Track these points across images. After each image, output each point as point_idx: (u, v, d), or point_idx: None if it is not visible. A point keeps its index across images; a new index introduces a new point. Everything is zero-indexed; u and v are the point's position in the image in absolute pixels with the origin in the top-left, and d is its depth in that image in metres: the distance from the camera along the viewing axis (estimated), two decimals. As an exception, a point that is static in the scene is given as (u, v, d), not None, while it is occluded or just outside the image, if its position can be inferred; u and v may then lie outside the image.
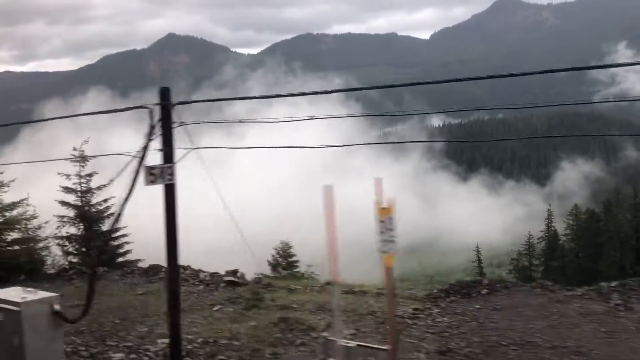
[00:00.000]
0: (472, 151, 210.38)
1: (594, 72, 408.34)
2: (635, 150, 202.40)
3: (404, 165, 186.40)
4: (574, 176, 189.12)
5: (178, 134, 9.43)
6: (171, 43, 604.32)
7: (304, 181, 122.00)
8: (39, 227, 22.19)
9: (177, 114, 9.49)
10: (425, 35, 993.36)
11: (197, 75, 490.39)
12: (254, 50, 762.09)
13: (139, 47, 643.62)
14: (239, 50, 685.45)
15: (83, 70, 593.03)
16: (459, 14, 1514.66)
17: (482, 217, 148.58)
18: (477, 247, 78.34)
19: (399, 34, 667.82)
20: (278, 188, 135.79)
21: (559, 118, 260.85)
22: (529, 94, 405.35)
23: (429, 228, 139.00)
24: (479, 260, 78.00)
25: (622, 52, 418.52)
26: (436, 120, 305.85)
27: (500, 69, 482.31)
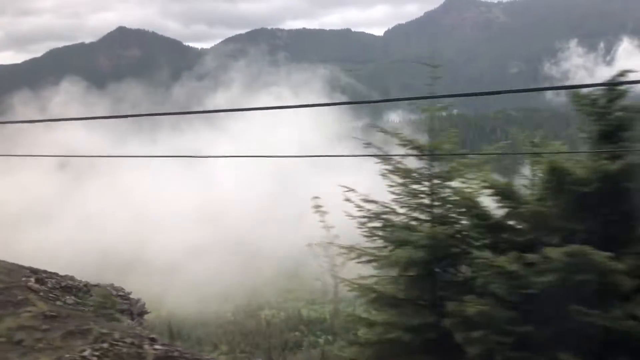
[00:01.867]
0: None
1: (546, 68, 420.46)
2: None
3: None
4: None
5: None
6: (122, 37, 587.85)
7: (284, 178, 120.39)
8: None
9: None
10: (379, 31, 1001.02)
11: (177, 67, 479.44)
12: (207, 45, 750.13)
13: (87, 41, 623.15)
14: (191, 44, 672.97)
15: (28, 64, 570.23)
16: (412, 11, 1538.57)
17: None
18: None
19: (352, 29, 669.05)
20: (255, 185, 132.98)
21: (515, 113, 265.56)
22: (486, 88, 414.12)
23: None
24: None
25: (574, 50, 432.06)
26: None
27: (453, 65, 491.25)
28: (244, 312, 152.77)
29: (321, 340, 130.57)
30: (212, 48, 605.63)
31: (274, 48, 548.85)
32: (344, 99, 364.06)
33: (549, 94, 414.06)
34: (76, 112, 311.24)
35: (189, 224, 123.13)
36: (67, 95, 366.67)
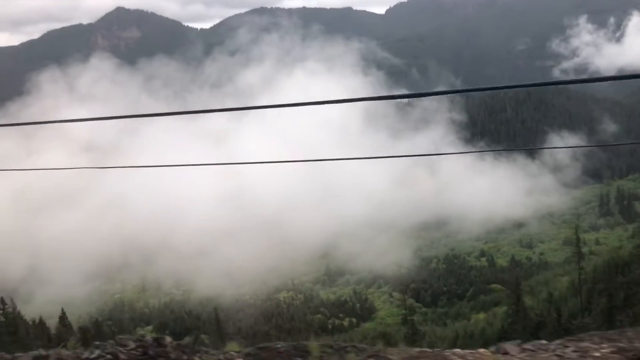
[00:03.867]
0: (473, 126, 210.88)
1: (554, 45, 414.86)
2: (612, 122, 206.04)
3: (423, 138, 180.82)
4: (562, 149, 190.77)
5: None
6: (120, 17, 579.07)
7: (312, 163, 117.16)
8: None
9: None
10: (380, 9, 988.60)
11: (209, 42, 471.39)
12: (206, 25, 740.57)
13: (85, 22, 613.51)
14: (190, 24, 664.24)
15: (26, 46, 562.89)
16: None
17: (486, 190, 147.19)
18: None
19: (354, 8, 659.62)
20: (283, 168, 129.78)
21: (526, 93, 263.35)
22: (492, 65, 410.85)
23: (438, 202, 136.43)
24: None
25: (583, 26, 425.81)
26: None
27: (457, 43, 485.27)
28: (262, 295, 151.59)
29: (345, 323, 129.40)
30: (211, 28, 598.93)
31: (276, 26, 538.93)
32: (380, 74, 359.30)
33: (556, 71, 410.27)
34: (105, 90, 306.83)
35: (215, 208, 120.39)
36: (96, 73, 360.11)
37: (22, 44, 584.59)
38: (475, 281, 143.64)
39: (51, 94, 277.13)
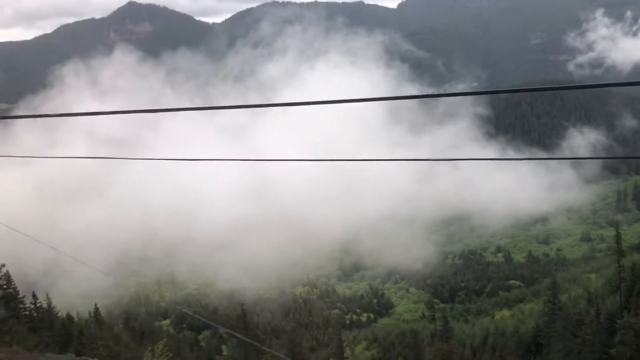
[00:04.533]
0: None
1: (570, 39, 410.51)
2: (632, 118, 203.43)
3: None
4: (582, 144, 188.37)
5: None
6: (132, 11, 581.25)
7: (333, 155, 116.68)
8: None
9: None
10: (392, 3, 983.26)
11: (231, 35, 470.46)
12: (218, 19, 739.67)
13: (97, 16, 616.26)
14: (202, 19, 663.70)
15: (39, 40, 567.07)
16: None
17: (507, 186, 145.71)
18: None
19: (366, 2, 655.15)
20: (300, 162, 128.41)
21: (543, 85, 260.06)
22: (506, 60, 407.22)
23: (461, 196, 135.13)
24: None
25: (600, 20, 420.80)
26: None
27: (470, 38, 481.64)
28: (278, 289, 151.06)
29: (363, 318, 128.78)
30: (234, 19, 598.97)
31: (299, 18, 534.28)
32: (404, 67, 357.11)
33: (571, 66, 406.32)
34: (128, 83, 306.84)
35: (236, 201, 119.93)
36: (119, 66, 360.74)
37: (36, 38, 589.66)
38: (494, 277, 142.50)
39: (74, 87, 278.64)
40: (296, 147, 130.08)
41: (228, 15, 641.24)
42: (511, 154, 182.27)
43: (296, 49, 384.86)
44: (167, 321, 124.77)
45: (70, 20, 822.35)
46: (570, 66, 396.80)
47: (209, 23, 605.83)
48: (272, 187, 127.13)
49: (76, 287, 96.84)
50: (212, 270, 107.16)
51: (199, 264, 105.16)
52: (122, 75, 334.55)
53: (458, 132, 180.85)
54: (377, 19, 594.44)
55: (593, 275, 66.95)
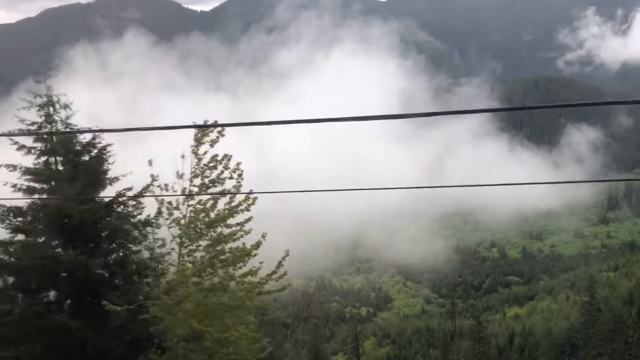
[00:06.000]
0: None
1: (562, 36, 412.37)
2: (627, 116, 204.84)
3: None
4: (580, 141, 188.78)
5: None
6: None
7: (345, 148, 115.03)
8: None
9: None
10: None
11: (247, 19, 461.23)
12: (207, 7, 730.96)
13: (83, 1, 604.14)
14: (191, 7, 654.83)
15: (23, 24, 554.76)
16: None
17: (511, 180, 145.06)
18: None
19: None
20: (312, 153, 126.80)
21: (534, 84, 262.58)
22: (495, 57, 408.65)
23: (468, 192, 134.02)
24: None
25: (591, 18, 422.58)
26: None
27: (461, 33, 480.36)
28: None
29: (363, 312, 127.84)
30: (212, 10, 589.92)
31: (315, 4, 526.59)
32: (420, 58, 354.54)
33: (561, 64, 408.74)
34: (140, 67, 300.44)
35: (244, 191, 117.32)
36: (130, 49, 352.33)
37: (19, 22, 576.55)
38: (491, 273, 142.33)
39: (64, 73, 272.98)
40: (308, 137, 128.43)
41: (217, 4, 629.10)
42: (519, 149, 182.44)
43: (311, 36, 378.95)
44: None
45: (55, 4, 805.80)
46: (560, 63, 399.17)
47: (197, 11, 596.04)
48: (281, 179, 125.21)
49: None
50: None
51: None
52: (132, 59, 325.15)
53: (470, 127, 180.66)
54: (366, 11, 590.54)
55: (611, 274, 66.45)
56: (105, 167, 15.85)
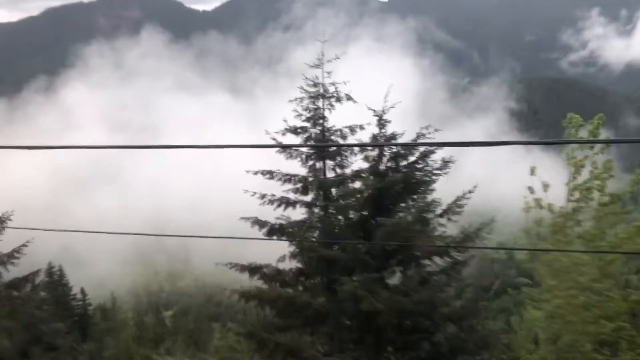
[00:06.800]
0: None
1: (565, 36, 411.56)
2: (635, 117, 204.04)
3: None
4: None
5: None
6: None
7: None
8: None
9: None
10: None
11: (264, 16, 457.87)
12: (209, 7, 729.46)
13: (85, 0, 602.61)
14: (193, 6, 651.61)
15: (25, 23, 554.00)
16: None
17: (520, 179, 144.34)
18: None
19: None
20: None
21: (539, 82, 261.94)
22: (502, 56, 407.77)
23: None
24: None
25: (596, 19, 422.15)
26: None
27: (462, 33, 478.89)
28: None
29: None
30: (213, 10, 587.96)
31: (332, 1, 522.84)
32: (437, 57, 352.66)
33: (564, 64, 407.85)
34: (155, 66, 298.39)
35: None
36: (146, 48, 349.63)
37: (22, 21, 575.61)
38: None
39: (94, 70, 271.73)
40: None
41: (218, 3, 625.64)
42: (535, 149, 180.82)
43: (327, 34, 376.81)
44: (170, 312, 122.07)
45: (57, 3, 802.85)
46: (564, 64, 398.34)
47: (199, 11, 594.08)
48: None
49: (88, 274, 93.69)
50: (224, 261, 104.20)
51: (212, 255, 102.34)
52: (148, 57, 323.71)
53: (489, 127, 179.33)
54: (365, 12, 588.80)
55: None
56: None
